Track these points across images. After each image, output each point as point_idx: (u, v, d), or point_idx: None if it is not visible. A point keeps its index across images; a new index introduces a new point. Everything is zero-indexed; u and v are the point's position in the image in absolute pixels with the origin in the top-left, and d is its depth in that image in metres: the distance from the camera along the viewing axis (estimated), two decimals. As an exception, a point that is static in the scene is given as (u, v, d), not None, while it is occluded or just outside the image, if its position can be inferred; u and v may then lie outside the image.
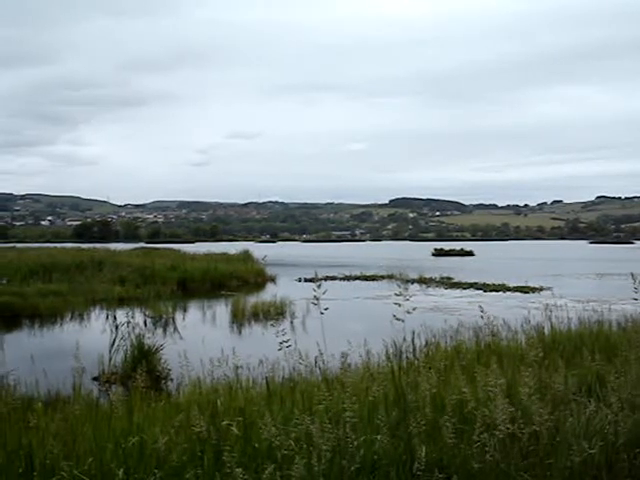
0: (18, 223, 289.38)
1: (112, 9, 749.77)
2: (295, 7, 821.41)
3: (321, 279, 7.60)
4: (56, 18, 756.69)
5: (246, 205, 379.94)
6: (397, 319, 6.89)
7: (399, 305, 6.79)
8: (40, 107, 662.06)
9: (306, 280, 46.21)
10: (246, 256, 55.39)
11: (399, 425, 6.08)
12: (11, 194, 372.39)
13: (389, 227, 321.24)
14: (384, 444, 5.69)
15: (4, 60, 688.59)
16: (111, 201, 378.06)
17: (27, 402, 10.05)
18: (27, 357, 13.83)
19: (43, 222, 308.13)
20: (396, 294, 7.01)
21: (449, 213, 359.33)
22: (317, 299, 6.79)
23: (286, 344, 7.52)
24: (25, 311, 28.19)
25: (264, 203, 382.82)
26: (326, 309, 6.96)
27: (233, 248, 65.16)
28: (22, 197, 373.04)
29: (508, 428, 5.52)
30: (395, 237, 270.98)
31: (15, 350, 18.54)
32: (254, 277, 46.90)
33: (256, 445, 5.91)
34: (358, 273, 52.28)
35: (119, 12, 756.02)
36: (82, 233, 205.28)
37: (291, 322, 25.61)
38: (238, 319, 27.11)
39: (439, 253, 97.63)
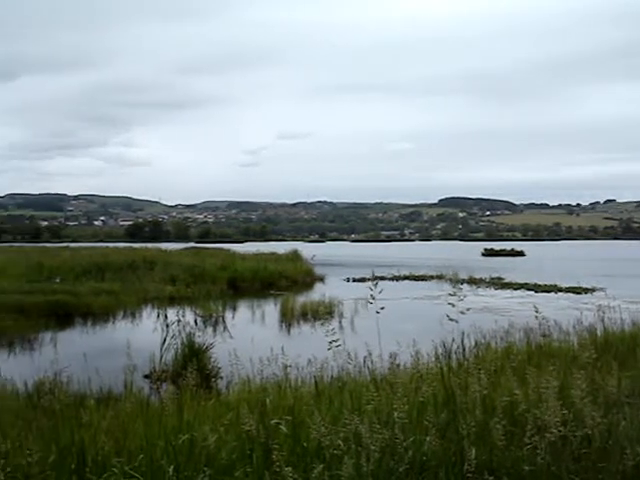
0: (71, 223, 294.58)
1: (162, 13, 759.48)
2: (343, 7, 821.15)
3: (370, 279, 7.58)
4: (108, 22, 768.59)
5: (295, 205, 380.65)
6: (450, 319, 6.84)
7: (453, 305, 6.73)
8: (93, 109, 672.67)
9: (354, 280, 46.18)
10: (295, 256, 55.57)
11: (448, 426, 6.03)
12: (65, 195, 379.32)
13: (438, 227, 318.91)
14: (433, 445, 5.65)
15: (59, 64, 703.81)
16: (162, 201, 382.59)
17: (80, 399, 10.25)
18: (80, 355, 14.06)
19: (96, 222, 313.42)
20: (450, 294, 6.96)
21: (499, 213, 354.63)
22: (373, 298, 6.79)
23: (335, 344, 7.52)
24: (78, 310, 28.69)
25: (313, 203, 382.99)
26: (382, 308, 6.94)
27: (282, 248, 65.43)
28: (75, 198, 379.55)
29: (560, 431, 5.44)
30: (445, 237, 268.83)
31: (68, 348, 18.87)
32: (303, 277, 47.03)
33: (305, 444, 5.91)
34: (407, 273, 52.05)
35: (169, 15, 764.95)
36: (134, 233, 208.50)
37: (339, 322, 25.62)
38: (287, 318, 27.23)
39: (489, 253, 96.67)
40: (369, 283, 7.15)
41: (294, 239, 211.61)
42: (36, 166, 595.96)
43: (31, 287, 32.72)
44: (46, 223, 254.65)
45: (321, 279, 48.22)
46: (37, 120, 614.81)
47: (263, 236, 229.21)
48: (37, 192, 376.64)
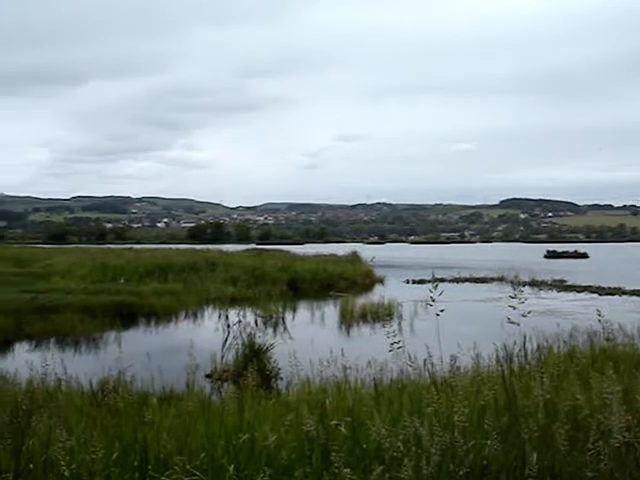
0: (135, 225, 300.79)
1: (222, 17, 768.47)
2: (399, 8, 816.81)
3: (430, 281, 7.53)
4: (170, 28, 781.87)
5: (354, 207, 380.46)
6: (511, 322, 6.76)
7: (513, 308, 6.65)
8: (157, 113, 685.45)
9: (414, 282, 45.92)
10: (354, 257, 55.48)
11: (510, 430, 5.96)
12: (129, 197, 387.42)
13: (499, 228, 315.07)
14: (494, 449, 5.58)
15: (123, 70, 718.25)
16: (224, 204, 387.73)
17: (143, 397, 10.42)
18: (143, 354, 14.32)
19: (159, 224, 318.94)
20: (510, 297, 6.88)
21: (562, 214, 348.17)
22: (433, 300, 6.76)
23: (396, 346, 7.50)
24: (142, 310, 29.14)
25: (372, 205, 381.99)
26: (442, 311, 6.90)
27: (341, 249, 65.45)
28: (139, 200, 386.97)
29: (624, 436, 5.33)
30: (506, 239, 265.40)
31: (132, 347, 19.18)
32: (362, 278, 46.95)
33: (364, 446, 5.90)
34: (467, 275, 51.45)
35: (229, 20, 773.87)
36: (196, 235, 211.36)
37: (399, 324, 25.45)
38: (346, 320, 27.21)
39: (552, 255, 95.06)
40: (429, 285, 7.11)
41: (353, 241, 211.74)
42: (101, 169, 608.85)
43: (96, 287, 33.42)
44: (110, 225, 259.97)
45: (380, 281, 48.07)
46: (101, 124, 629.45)
47: (322, 238, 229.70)
48: (102, 195, 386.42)
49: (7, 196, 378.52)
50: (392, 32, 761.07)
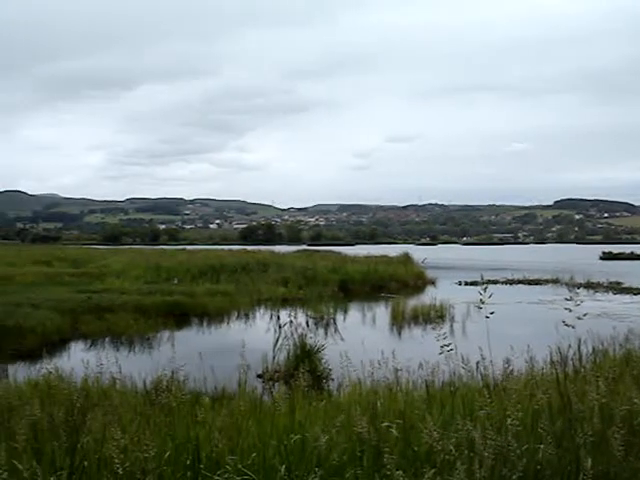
0: (188, 226, 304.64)
1: (272, 21, 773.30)
2: (449, 8, 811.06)
3: (483, 282, 7.46)
4: (221, 31, 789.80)
5: (406, 208, 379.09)
6: (566, 325, 6.66)
7: (569, 310, 6.55)
8: (209, 116, 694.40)
9: (466, 283, 45.52)
10: (406, 259, 55.14)
11: (564, 435, 5.87)
12: (182, 199, 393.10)
13: (553, 229, 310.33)
14: (548, 454, 5.50)
15: (175, 73, 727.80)
16: (275, 205, 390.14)
17: (195, 397, 10.50)
18: (196, 354, 14.42)
19: (211, 225, 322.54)
20: (566, 299, 6.78)
21: (618, 215, 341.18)
22: (482, 302, 6.70)
23: (447, 348, 7.44)
24: (194, 310, 29.45)
25: (424, 205, 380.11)
26: (492, 313, 6.83)
27: (393, 251, 65.19)
28: (192, 202, 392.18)
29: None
30: (560, 240, 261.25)
31: (185, 347, 19.36)
32: (414, 280, 46.71)
33: (416, 448, 5.87)
34: (521, 277, 50.80)
35: (279, 23, 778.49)
36: (248, 236, 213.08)
37: (451, 326, 25.30)
38: (398, 321, 27.10)
39: (608, 257, 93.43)
40: (486, 286, 7.05)
41: (405, 242, 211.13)
42: (154, 172, 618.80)
43: (150, 288, 33.87)
44: (164, 226, 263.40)
45: (432, 282, 47.76)
46: (155, 127, 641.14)
47: (373, 239, 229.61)
48: (155, 196, 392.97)
49: (63, 198, 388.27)
50: (446, 33, 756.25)
